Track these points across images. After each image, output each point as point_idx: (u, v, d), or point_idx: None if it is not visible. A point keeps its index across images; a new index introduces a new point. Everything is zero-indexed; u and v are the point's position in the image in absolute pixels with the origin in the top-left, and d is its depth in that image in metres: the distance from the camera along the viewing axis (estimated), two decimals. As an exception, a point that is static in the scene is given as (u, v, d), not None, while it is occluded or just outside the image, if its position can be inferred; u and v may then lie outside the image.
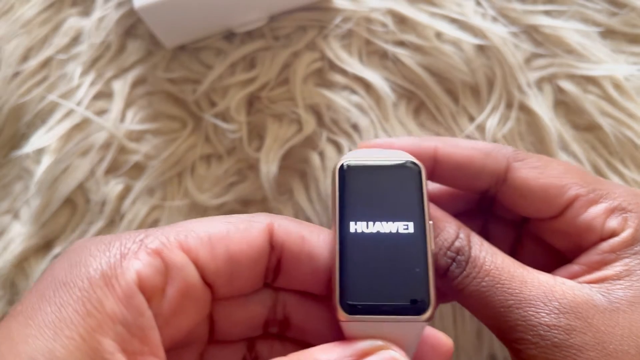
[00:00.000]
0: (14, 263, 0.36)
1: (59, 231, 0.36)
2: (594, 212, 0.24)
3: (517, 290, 0.22)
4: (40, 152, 0.37)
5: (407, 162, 0.22)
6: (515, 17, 0.37)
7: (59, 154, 0.36)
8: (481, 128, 0.36)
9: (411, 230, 0.20)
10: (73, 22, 0.39)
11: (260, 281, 0.22)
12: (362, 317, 0.20)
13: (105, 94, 0.38)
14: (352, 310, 0.20)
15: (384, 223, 0.21)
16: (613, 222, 0.24)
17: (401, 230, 0.20)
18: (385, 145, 0.26)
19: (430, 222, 0.21)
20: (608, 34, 0.38)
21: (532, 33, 0.37)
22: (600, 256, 0.24)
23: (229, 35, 0.38)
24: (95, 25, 0.38)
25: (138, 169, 0.37)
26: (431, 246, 0.20)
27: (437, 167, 0.26)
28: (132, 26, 0.39)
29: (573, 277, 0.24)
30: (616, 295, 0.22)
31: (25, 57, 0.38)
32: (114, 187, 0.36)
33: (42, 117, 0.37)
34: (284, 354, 0.20)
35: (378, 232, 0.20)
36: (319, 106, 0.36)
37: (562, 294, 0.22)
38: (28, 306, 0.18)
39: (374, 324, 0.20)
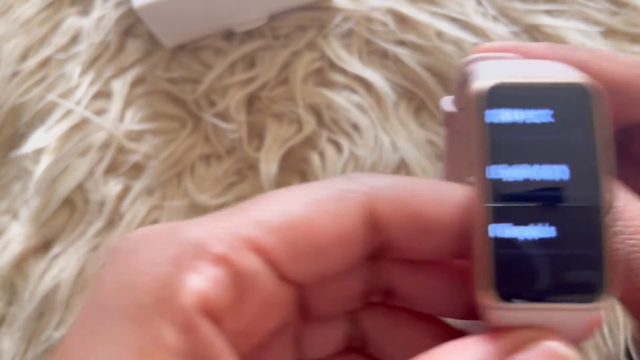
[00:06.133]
0: (12, 263, 0.36)
1: (58, 231, 0.36)
2: None
3: None
4: (39, 152, 0.36)
5: (581, 83, 0.15)
6: (516, 17, 0.37)
7: (58, 154, 0.36)
8: (482, 128, 0.36)
9: (584, 189, 0.15)
10: (72, 21, 0.39)
11: (358, 262, 0.18)
12: (519, 305, 0.15)
13: (104, 94, 0.38)
14: (504, 295, 0.15)
15: (546, 177, 0.15)
16: None
17: (570, 189, 0.15)
18: (514, 48, 0.19)
19: (611, 175, 0.15)
20: (609, 33, 0.37)
21: (533, 32, 0.37)
22: None
23: (229, 35, 0.38)
24: (95, 24, 0.38)
25: (137, 169, 0.37)
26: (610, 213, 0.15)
27: None
28: (131, 26, 0.39)
29: None
30: None
31: (24, 57, 0.38)
32: (113, 187, 0.36)
33: (41, 117, 0.37)
34: (392, 326, 0.18)
35: (537, 192, 0.15)
36: (319, 106, 0.36)
37: None
38: (78, 343, 0.15)
39: (529, 311, 0.15)
